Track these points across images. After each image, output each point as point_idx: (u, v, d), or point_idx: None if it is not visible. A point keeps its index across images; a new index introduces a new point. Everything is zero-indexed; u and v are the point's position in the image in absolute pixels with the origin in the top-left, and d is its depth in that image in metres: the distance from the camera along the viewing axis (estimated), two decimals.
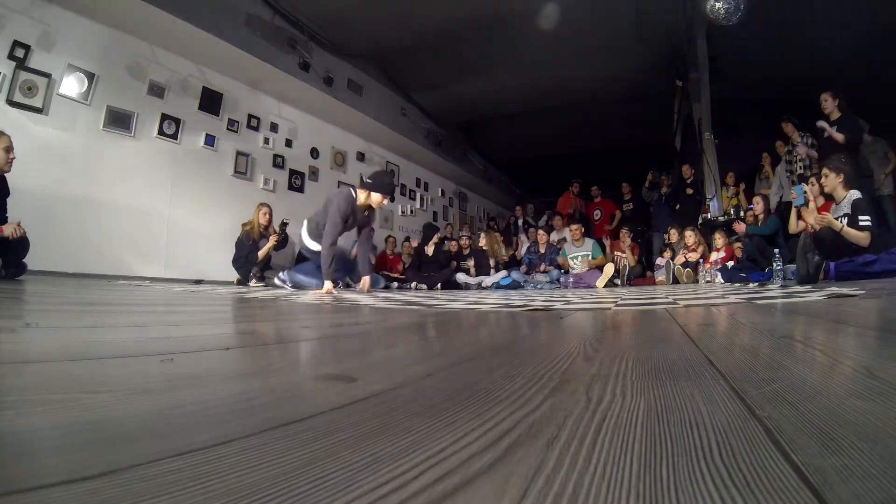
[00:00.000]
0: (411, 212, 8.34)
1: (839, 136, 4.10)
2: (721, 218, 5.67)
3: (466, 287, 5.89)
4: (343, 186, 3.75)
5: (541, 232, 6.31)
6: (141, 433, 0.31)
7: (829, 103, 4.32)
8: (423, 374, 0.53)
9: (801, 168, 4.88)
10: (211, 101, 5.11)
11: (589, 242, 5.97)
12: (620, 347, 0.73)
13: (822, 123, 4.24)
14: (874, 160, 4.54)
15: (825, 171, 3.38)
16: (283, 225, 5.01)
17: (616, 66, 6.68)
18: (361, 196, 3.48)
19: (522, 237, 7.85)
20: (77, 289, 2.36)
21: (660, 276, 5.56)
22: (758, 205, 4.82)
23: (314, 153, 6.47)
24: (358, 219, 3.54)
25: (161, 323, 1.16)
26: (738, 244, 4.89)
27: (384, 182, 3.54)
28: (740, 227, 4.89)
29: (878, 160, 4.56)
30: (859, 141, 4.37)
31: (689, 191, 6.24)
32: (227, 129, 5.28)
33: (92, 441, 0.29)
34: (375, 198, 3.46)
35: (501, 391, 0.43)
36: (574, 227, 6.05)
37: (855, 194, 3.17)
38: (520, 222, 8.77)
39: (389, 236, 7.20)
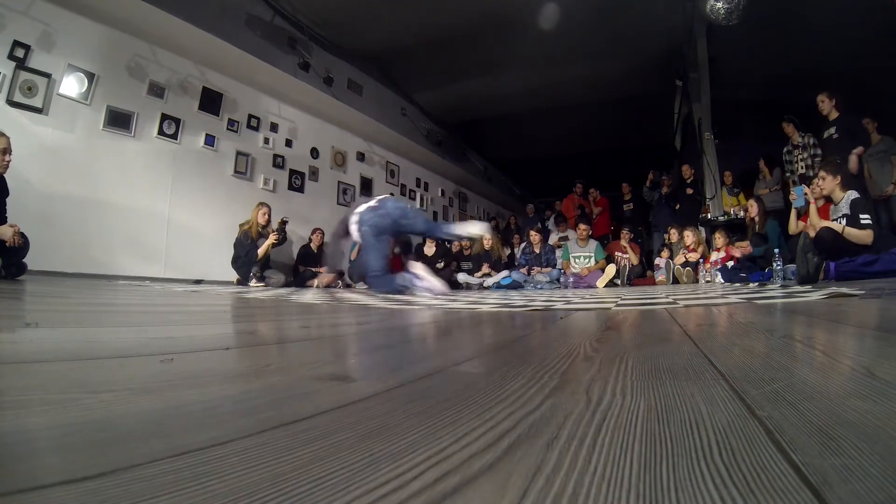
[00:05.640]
0: None
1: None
2: (721, 218, 5.67)
3: (467, 287, 5.89)
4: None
5: (533, 232, 6.26)
6: (141, 433, 0.31)
7: (826, 104, 4.32)
8: (423, 374, 0.53)
9: (802, 168, 4.87)
10: (211, 101, 5.11)
11: (592, 244, 5.96)
12: (620, 347, 0.73)
13: (854, 163, 4.17)
14: (875, 163, 4.51)
15: (822, 173, 3.38)
16: (283, 223, 5.02)
17: (616, 66, 6.68)
18: None
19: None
20: (77, 289, 2.36)
21: (660, 276, 5.56)
22: (752, 207, 4.81)
23: (314, 153, 6.47)
24: None
25: (161, 323, 1.16)
26: (740, 243, 4.87)
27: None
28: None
29: (882, 162, 4.51)
30: (866, 142, 4.36)
31: (689, 191, 6.24)
32: (227, 129, 5.28)
33: (92, 441, 0.29)
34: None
35: (501, 391, 0.43)
36: (582, 226, 6.02)
37: (853, 194, 3.17)
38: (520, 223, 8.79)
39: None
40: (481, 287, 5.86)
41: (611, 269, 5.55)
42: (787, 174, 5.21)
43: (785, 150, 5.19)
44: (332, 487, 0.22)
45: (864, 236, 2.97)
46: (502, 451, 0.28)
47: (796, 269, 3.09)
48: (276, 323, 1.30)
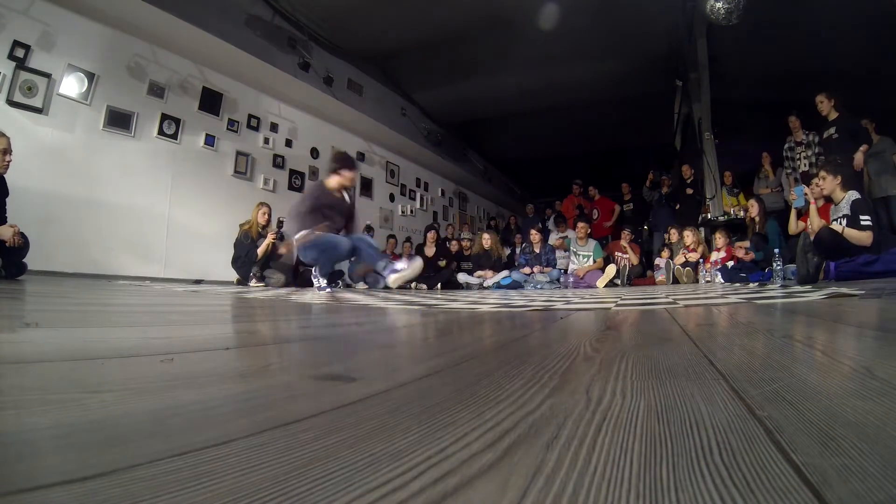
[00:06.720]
0: (411, 212, 8.35)
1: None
2: (721, 218, 5.67)
3: (467, 287, 5.88)
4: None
5: (534, 232, 6.28)
6: (141, 433, 0.31)
7: (825, 105, 4.32)
8: (423, 374, 0.53)
9: (805, 165, 4.85)
10: (211, 101, 5.11)
11: (591, 243, 5.97)
12: (620, 347, 0.73)
13: (860, 160, 4.20)
14: (874, 163, 4.49)
15: (822, 173, 3.38)
16: (281, 224, 5.03)
17: (616, 66, 6.68)
18: (332, 182, 3.66)
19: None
20: (77, 289, 2.36)
21: (660, 276, 5.56)
22: (752, 207, 4.80)
23: (314, 153, 6.47)
24: (337, 207, 3.68)
25: (161, 323, 1.16)
26: (741, 244, 4.87)
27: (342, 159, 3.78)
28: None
29: (882, 163, 4.49)
30: (866, 142, 4.35)
31: (689, 191, 6.24)
32: (227, 129, 5.29)
33: (92, 441, 0.29)
34: (347, 175, 3.65)
35: (501, 391, 0.43)
36: (581, 225, 6.04)
37: (854, 195, 3.17)
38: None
39: (391, 236, 7.20)
40: (481, 287, 5.86)
41: (611, 269, 5.55)
42: (788, 171, 5.20)
43: (786, 146, 5.16)
44: (331, 488, 0.22)
45: (864, 237, 2.97)
46: (502, 451, 0.28)
47: (796, 269, 3.09)
48: (276, 323, 1.30)
